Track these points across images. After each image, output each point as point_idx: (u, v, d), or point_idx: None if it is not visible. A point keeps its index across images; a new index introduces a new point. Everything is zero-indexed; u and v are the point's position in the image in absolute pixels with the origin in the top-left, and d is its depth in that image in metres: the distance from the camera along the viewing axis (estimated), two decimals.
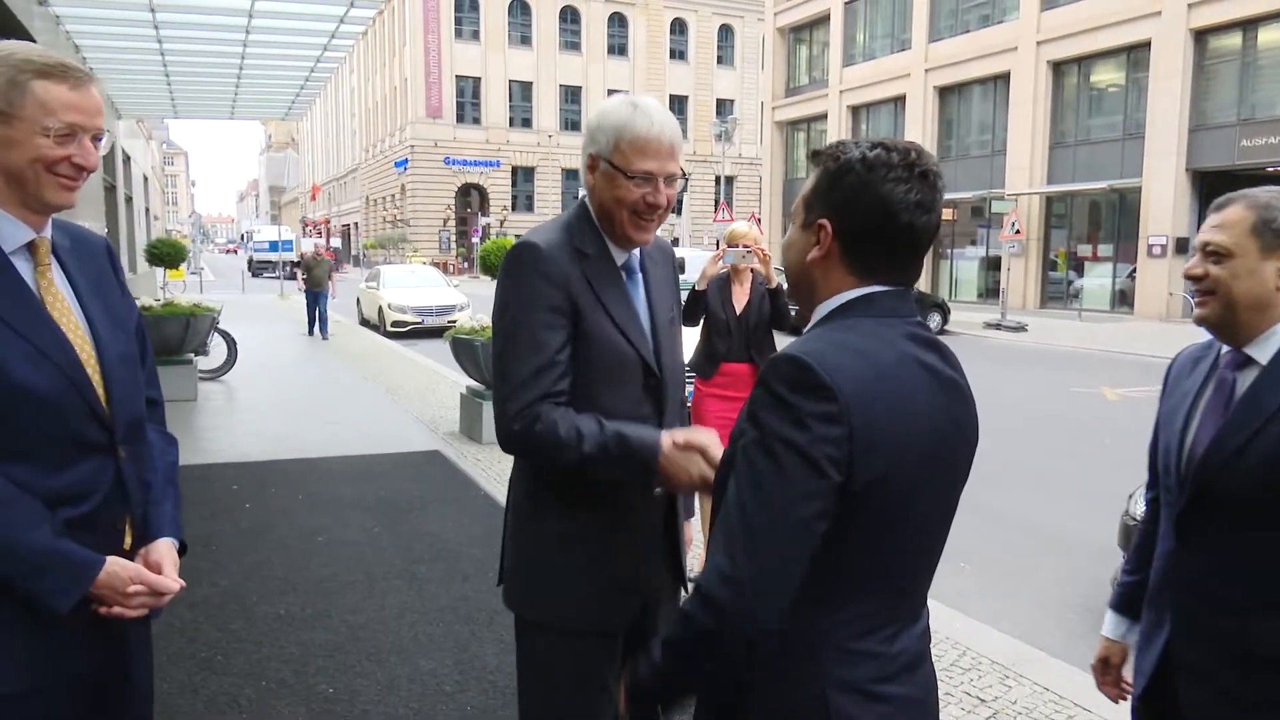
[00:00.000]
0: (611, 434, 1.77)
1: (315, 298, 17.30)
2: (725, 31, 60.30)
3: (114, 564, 1.57)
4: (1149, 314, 23.27)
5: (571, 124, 55.67)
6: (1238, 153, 21.79)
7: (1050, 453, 8.43)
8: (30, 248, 1.60)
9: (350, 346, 15.96)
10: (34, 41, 1.70)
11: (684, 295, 3.01)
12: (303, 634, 4.01)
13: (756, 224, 6.59)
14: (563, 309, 1.81)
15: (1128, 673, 2.02)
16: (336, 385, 11.54)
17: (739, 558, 1.24)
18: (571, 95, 56.08)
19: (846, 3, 34.20)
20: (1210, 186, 22.18)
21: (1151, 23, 23.21)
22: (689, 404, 3.44)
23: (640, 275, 2.00)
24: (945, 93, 30.70)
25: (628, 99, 1.89)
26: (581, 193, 2.02)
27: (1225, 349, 1.77)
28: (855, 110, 34.05)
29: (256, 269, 50.03)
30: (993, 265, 28.40)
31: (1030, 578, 5.16)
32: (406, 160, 53.89)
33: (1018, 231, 22.43)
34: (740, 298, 4.81)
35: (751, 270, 4.82)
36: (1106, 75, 25.89)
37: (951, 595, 4.54)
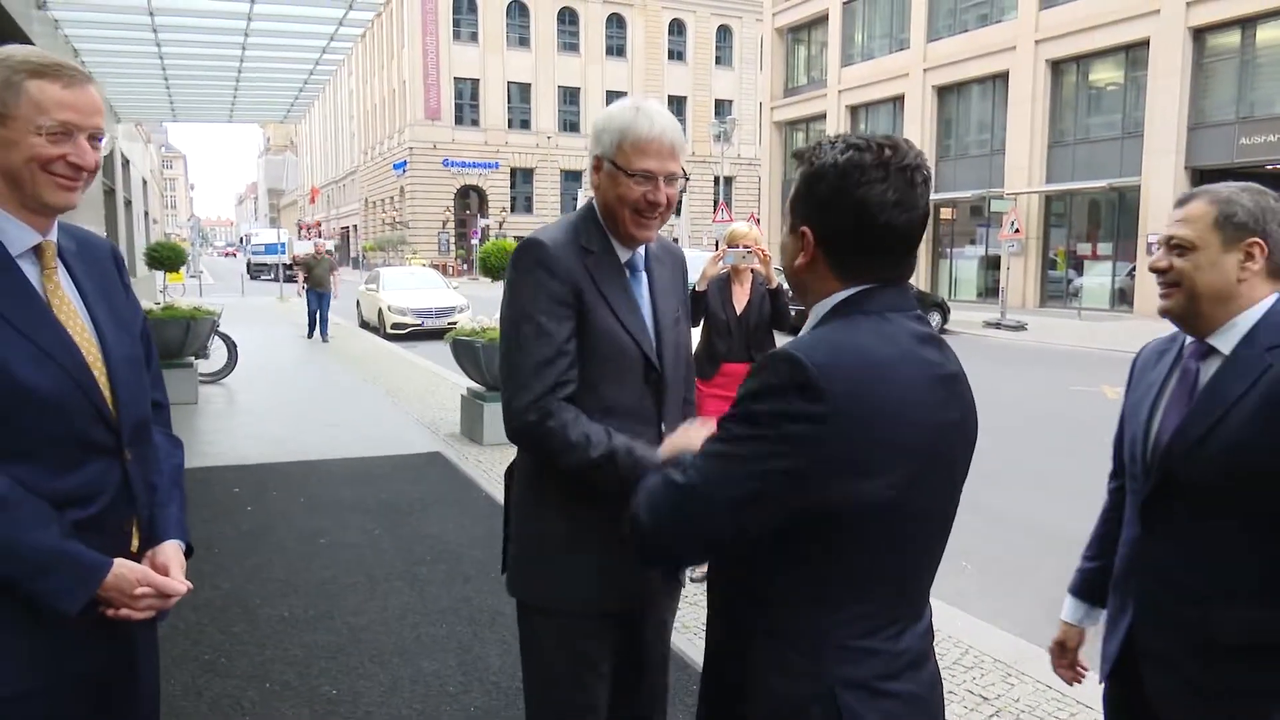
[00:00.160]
0: (621, 446, 1.83)
1: (318, 298, 17.04)
2: (723, 32, 60.33)
3: (121, 566, 1.57)
4: (1148, 312, 23.25)
5: (570, 125, 55.72)
6: (1237, 151, 21.82)
7: (1050, 452, 8.43)
8: (36, 251, 1.60)
9: (350, 349, 15.96)
10: (32, 45, 1.69)
11: None
12: (305, 636, 4.02)
13: (755, 224, 6.59)
14: (568, 302, 1.88)
15: (1084, 656, 2.09)
16: (337, 388, 11.54)
17: (663, 507, 1.34)
18: (570, 96, 56.11)
19: (845, 3, 34.23)
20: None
21: (1150, 21, 23.24)
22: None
23: (645, 274, 2.06)
24: (944, 92, 30.72)
25: (632, 102, 1.95)
26: (581, 194, 2.06)
27: (1189, 340, 1.82)
28: (854, 110, 34.07)
29: (254, 271, 50.16)
30: (992, 264, 28.41)
31: (1031, 576, 5.16)
32: (405, 162, 53.92)
33: (1017, 230, 22.45)
34: (740, 298, 4.81)
35: (751, 270, 4.83)
36: (1105, 74, 25.91)
37: (953, 594, 4.55)
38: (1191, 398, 1.74)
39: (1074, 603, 2.10)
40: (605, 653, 2.04)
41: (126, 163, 19.48)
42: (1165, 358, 1.87)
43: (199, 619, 4.12)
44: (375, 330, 19.33)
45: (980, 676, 3.66)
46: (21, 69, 1.51)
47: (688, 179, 2.07)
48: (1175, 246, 1.75)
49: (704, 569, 4.71)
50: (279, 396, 10.79)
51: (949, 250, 31.21)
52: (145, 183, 25.77)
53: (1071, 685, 2.17)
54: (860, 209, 1.31)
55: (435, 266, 34.17)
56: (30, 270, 1.58)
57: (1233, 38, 22.21)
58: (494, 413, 7.77)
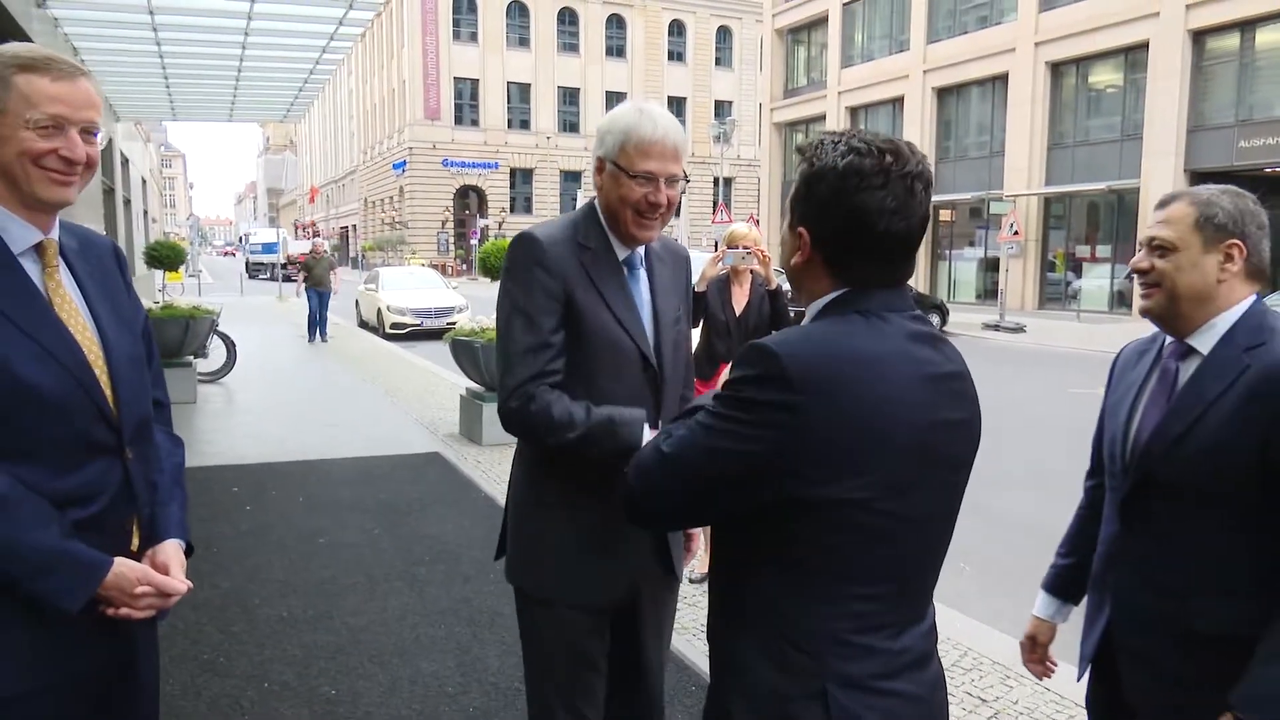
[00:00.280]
0: (600, 417, 1.89)
1: (319, 297, 16.72)
2: (723, 33, 60.33)
3: (121, 565, 1.57)
4: None
5: (570, 126, 55.69)
6: (1236, 154, 21.83)
7: (1049, 453, 8.43)
8: (38, 249, 1.60)
9: (349, 348, 15.95)
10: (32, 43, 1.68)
11: None
12: (304, 636, 4.02)
13: (755, 225, 6.59)
14: (557, 295, 1.93)
15: (1054, 651, 2.14)
16: (336, 387, 11.54)
17: (650, 478, 1.39)
18: (570, 97, 56.09)
19: (845, 4, 34.23)
20: None
21: (1150, 24, 23.25)
22: None
23: (644, 273, 2.10)
24: (944, 94, 30.73)
25: (635, 105, 2.01)
26: (581, 194, 2.08)
27: (1169, 340, 1.85)
28: (854, 111, 34.06)
29: (252, 271, 50.28)
30: (991, 266, 28.42)
31: (1030, 578, 5.13)
32: (405, 162, 53.89)
33: (1016, 232, 22.46)
34: (740, 299, 4.81)
35: (751, 271, 4.83)
36: (1105, 76, 25.92)
37: (952, 596, 4.55)
38: (1171, 397, 1.78)
39: (1046, 598, 2.14)
40: (602, 649, 2.09)
41: (126, 162, 19.48)
42: (1145, 357, 1.91)
43: (198, 618, 4.12)
44: (374, 330, 19.32)
45: (979, 679, 3.66)
46: (10, 64, 1.51)
47: (688, 181, 2.10)
48: (1156, 247, 1.78)
49: (704, 569, 4.70)
50: (278, 396, 10.78)
51: (948, 252, 31.22)
52: (144, 182, 25.76)
53: (1041, 680, 2.22)
54: (857, 214, 1.32)
55: (434, 266, 34.13)
56: (32, 268, 1.58)
57: (1232, 40, 22.22)
58: (493, 413, 7.70)
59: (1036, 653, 2.16)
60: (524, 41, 54.79)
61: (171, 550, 1.71)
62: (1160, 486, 1.75)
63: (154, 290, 16.35)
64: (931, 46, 30.59)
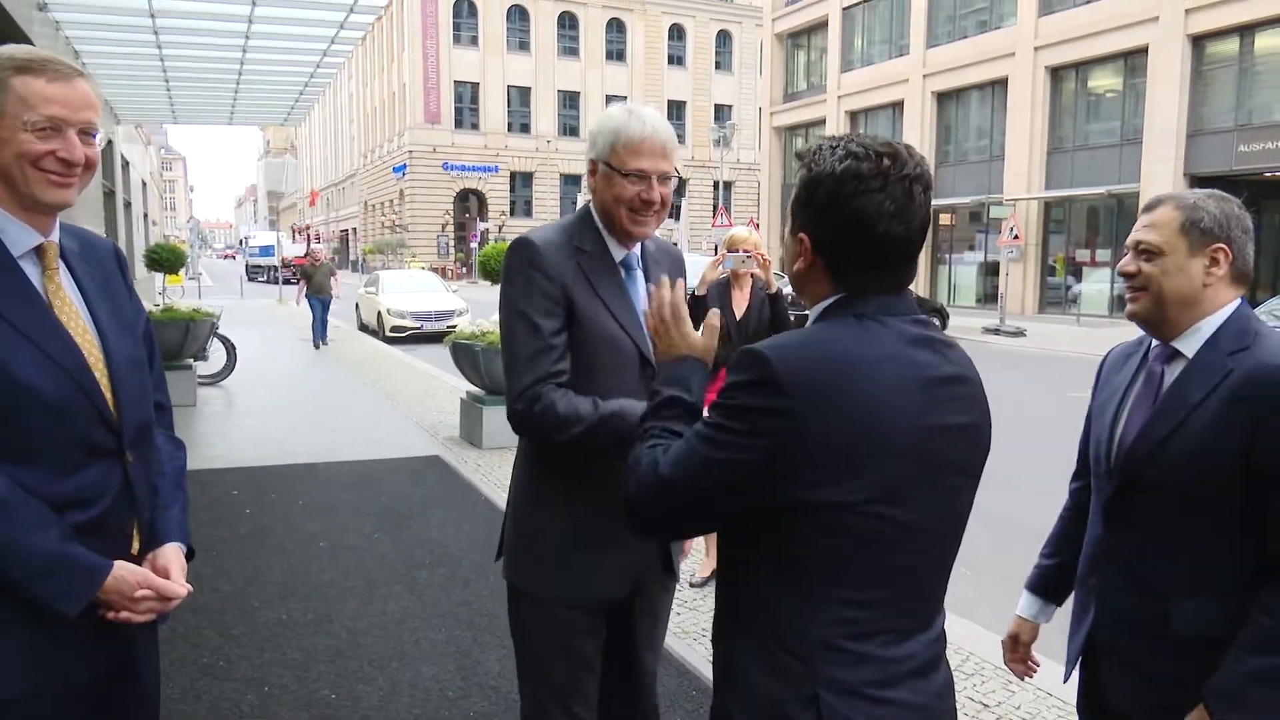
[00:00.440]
0: (606, 410, 1.92)
1: (322, 305, 16.54)
2: (723, 37, 60.41)
3: (121, 569, 1.56)
4: None
5: (570, 129, 55.73)
6: (1235, 158, 21.85)
7: (1050, 457, 8.40)
8: (38, 251, 1.59)
9: (349, 352, 15.94)
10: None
11: None
12: (304, 639, 4.01)
13: (755, 229, 6.59)
14: (557, 298, 1.96)
15: (1036, 651, 2.16)
16: (336, 390, 11.53)
17: (647, 490, 1.38)
18: (570, 100, 56.16)
19: (845, 8, 34.28)
20: None
21: (1149, 28, 23.28)
22: None
23: (640, 273, 2.13)
24: (943, 98, 30.76)
25: (624, 107, 2.04)
26: (580, 197, 2.09)
27: (1155, 344, 1.86)
28: (853, 115, 34.10)
29: (252, 273, 50.34)
30: (991, 270, 28.44)
31: None
32: (405, 165, 53.92)
33: (1016, 237, 22.46)
34: (740, 303, 4.81)
35: (751, 275, 4.82)
36: (1104, 81, 25.96)
37: (953, 601, 4.52)
38: (1156, 400, 1.79)
39: (1029, 598, 2.16)
40: (596, 647, 2.10)
41: (126, 164, 19.47)
42: (1132, 360, 1.92)
43: (198, 622, 4.11)
44: (374, 333, 19.32)
45: (981, 683, 3.65)
46: (7, 65, 1.50)
47: (682, 180, 2.11)
48: (1143, 251, 1.79)
49: (705, 573, 4.69)
50: (278, 399, 10.78)
51: (948, 256, 31.23)
52: (145, 184, 25.75)
53: (1023, 679, 2.24)
54: (857, 218, 1.31)
55: (434, 270, 34.14)
56: (32, 271, 1.57)
57: (1231, 45, 22.25)
58: (493, 416, 7.76)
59: (1018, 652, 2.18)
60: (524, 45, 54.85)
61: (172, 554, 1.70)
62: (1144, 489, 1.76)
63: (154, 293, 16.34)
64: (931, 51, 30.63)
